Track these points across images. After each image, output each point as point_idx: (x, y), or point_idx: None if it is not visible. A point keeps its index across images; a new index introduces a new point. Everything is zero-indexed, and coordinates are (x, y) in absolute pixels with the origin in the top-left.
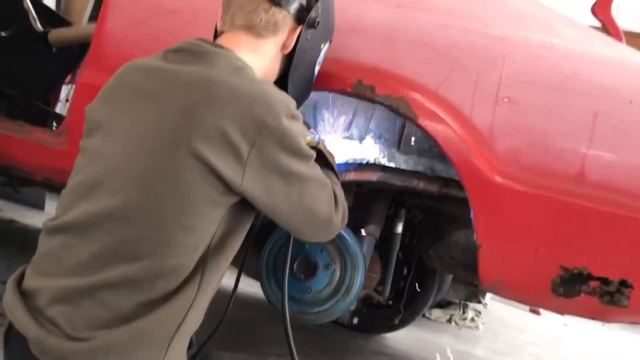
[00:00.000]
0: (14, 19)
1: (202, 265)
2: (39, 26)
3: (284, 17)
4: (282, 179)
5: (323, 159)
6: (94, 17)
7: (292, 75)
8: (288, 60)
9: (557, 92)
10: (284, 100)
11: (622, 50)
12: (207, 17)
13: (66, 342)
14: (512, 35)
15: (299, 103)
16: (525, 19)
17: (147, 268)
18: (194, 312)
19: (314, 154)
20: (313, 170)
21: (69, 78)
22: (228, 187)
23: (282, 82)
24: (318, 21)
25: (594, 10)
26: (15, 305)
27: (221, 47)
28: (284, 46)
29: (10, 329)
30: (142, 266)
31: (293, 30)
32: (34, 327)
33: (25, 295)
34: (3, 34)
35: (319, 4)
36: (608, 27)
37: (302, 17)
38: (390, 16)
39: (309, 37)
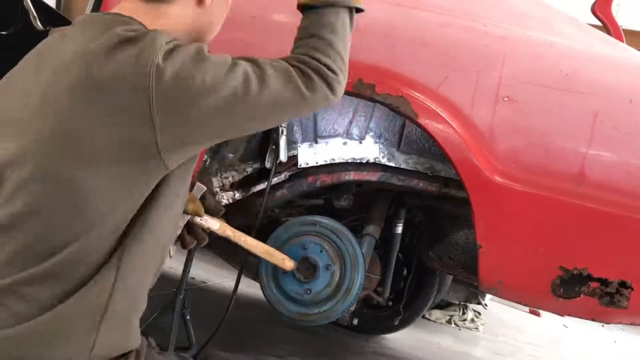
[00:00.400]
0: (14, 18)
1: (116, 243)
2: (39, 25)
3: None
4: (204, 100)
5: None
6: None
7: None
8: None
9: (557, 92)
10: (163, 37)
11: (623, 50)
12: None
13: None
14: (512, 34)
15: None
16: (525, 17)
17: (64, 258)
18: (120, 291)
19: (228, 57)
20: (236, 67)
21: None
22: (144, 153)
23: None
24: None
25: (594, 9)
26: None
27: (118, 15)
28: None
29: None
30: (59, 258)
31: None
32: None
33: None
34: (3, 32)
35: None
36: (608, 25)
37: None
38: (390, 15)
39: None
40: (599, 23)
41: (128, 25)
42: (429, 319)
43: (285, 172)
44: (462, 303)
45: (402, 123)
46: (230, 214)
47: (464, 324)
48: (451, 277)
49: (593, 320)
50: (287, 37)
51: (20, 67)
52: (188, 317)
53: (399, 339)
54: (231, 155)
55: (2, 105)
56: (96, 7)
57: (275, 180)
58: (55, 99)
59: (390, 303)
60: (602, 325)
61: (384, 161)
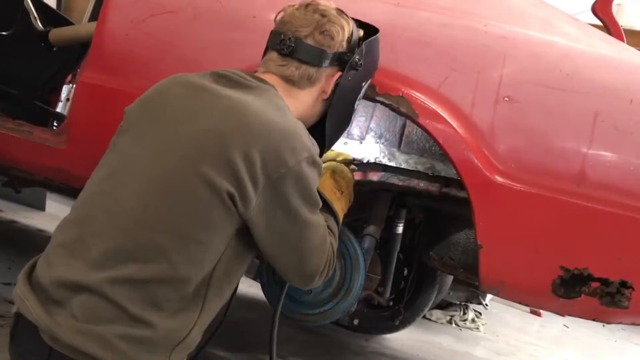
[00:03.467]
0: (15, 19)
1: (205, 285)
2: (39, 25)
3: (318, 70)
4: (287, 217)
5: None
6: (94, 16)
7: (331, 116)
8: (328, 102)
9: (558, 91)
10: (310, 146)
11: (623, 49)
12: (207, 16)
13: (76, 335)
14: (513, 34)
15: (337, 137)
16: (525, 17)
17: (155, 272)
18: (197, 329)
19: (320, 203)
20: (317, 218)
21: (69, 77)
22: (238, 212)
23: (321, 123)
24: (360, 63)
25: (595, 9)
26: (26, 296)
27: (265, 82)
28: (323, 92)
29: (17, 325)
30: (151, 269)
31: (332, 75)
32: (45, 317)
33: (36, 286)
34: (4, 33)
35: (363, 46)
36: (609, 25)
37: (342, 61)
38: (390, 15)
39: (350, 78)
40: (599, 23)
41: None
42: (429, 319)
43: None
44: (463, 303)
45: (403, 123)
46: None
47: (465, 324)
48: (452, 277)
49: (594, 320)
50: None
51: None
52: None
53: (399, 339)
54: None
55: None
56: (97, 7)
57: None
58: None
59: (391, 303)
60: (603, 325)
61: (385, 161)
